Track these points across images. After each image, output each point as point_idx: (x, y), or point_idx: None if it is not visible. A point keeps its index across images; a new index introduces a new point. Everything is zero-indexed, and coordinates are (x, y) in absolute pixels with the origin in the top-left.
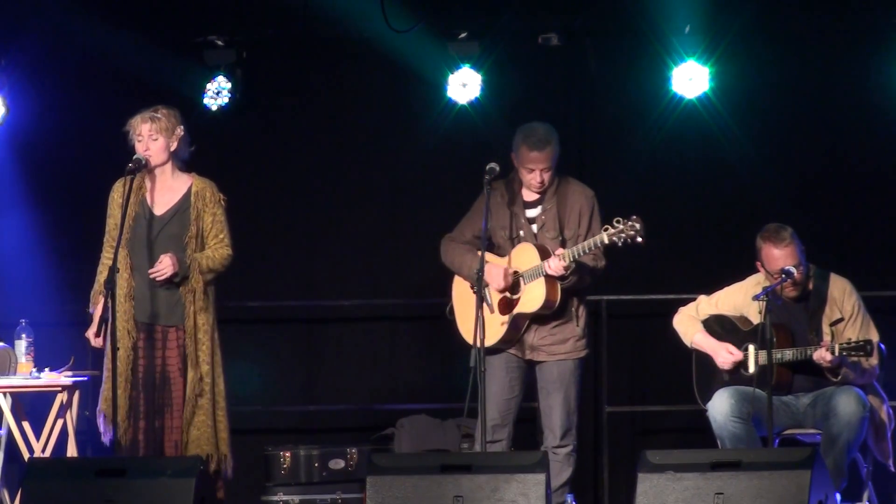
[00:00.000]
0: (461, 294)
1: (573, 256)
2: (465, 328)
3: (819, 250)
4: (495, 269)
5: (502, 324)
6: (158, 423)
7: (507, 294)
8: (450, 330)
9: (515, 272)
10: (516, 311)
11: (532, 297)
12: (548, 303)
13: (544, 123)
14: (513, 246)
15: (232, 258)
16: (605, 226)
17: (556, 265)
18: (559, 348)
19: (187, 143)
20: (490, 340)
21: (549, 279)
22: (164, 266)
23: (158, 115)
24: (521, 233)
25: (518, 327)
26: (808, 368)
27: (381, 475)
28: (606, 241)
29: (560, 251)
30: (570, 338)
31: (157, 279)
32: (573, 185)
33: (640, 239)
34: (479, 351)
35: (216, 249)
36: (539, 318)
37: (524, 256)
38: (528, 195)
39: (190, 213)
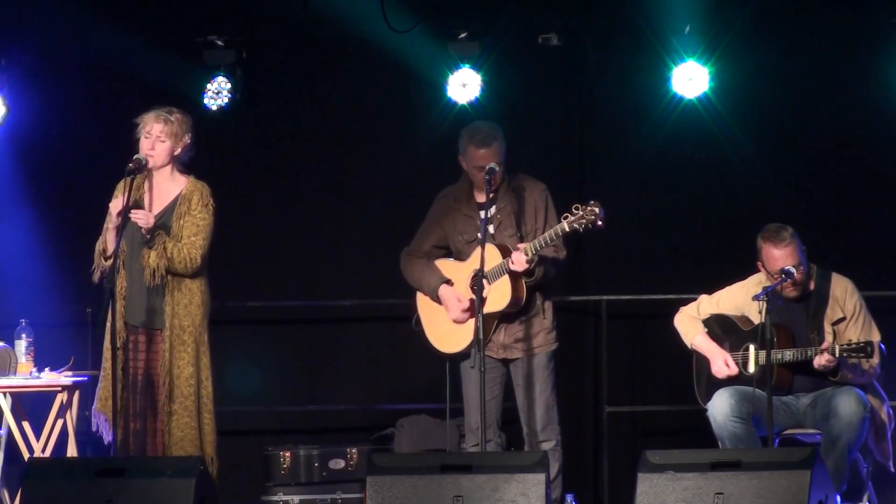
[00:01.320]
0: (426, 304)
1: (535, 249)
2: (435, 336)
3: (819, 250)
4: (451, 300)
5: (472, 326)
6: (141, 425)
7: (473, 296)
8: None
9: (477, 274)
10: (484, 311)
11: (498, 296)
12: (514, 300)
13: (488, 122)
14: (472, 249)
15: (197, 264)
16: (565, 213)
17: (518, 260)
18: (527, 343)
19: (191, 149)
20: (462, 344)
21: (514, 276)
22: (144, 213)
23: (172, 119)
24: (479, 234)
25: (487, 327)
26: (808, 368)
27: (381, 475)
28: (567, 229)
29: (521, 246)
30: (540, 331)
31: (137, 220)
32: (524, 180)
33: (600, 223)
34: (479, 350)
35: (185, 246)
36: (507, 316)
37: (487, 257)
38: (481, 196)
39: (173, 216)
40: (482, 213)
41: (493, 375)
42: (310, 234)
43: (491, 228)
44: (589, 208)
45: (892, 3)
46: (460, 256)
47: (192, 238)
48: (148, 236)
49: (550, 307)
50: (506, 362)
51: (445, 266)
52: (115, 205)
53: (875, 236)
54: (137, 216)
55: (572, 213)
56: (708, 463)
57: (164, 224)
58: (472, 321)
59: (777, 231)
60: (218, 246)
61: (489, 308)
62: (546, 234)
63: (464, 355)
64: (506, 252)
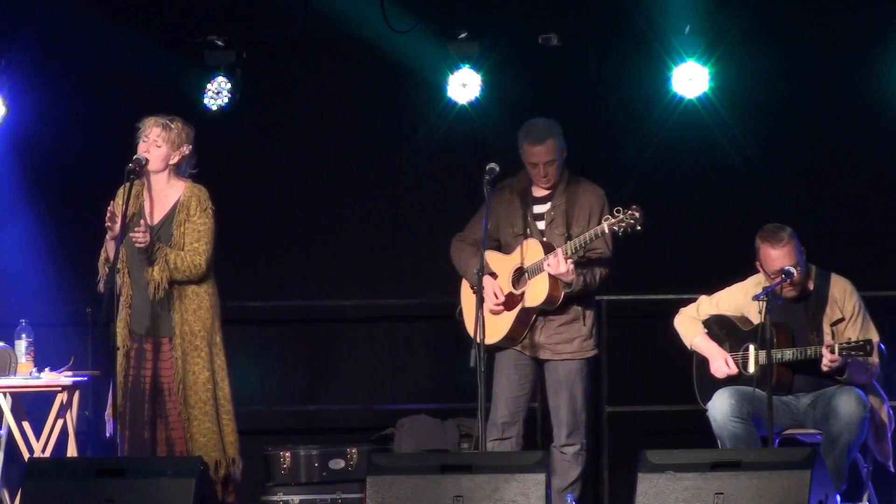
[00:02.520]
0: (467, 294)
1: (573, 249)
2: (471, 324)
3: (819, 250)
4: (488, 286)
5: (510, 319)
6: (150, 433)
7: (513, 290)
8: (450, 330)
9: (520, 268)
10: (521, 306)
11: (535, 292)
12: (550, 298)
13: (546, 119)
14: (519, 243)
15: (202, 270)
16: (606, 216)
17: (554, 262)
18: (565, 347)
19: (190, 163)
20: (496, 336)
21: (552, 275)
22: (144, 230)
23: (172, 126)
24: (529, 230)
25: (525, 323)
26: (808, 368)
27: (381, 475)
28: (607, 231)
29: (560, 248)
30: (577, 337)
31: (136, 241)
32: (584, 183)
33: (639, 227)
34: (479, 350)
35: (188, 254)
36: (545, 315)
37: (530, 253)
38: (538, 191)
39: (174, 224)
40: (535, 209)
41: (525, 373)
42: (310, 234)
43: (541, 225)
44: (630, 212)
45: (892, 3)
46: (507, 249)
47: (195, 244)
48: (146, 253)
49: (592, 315)
50: (539, 362)
51: (491, 258)
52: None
53: (875, 236)
54: (136, 237)
55: (613, 216)
56: (708, 463)
57: (165, 232)
58: (507, 315)
59: (774, 231)
60: (218, 246)
61: (526, 303)
62: (586, 234)
63: (497, 348)
64: (549, 249)
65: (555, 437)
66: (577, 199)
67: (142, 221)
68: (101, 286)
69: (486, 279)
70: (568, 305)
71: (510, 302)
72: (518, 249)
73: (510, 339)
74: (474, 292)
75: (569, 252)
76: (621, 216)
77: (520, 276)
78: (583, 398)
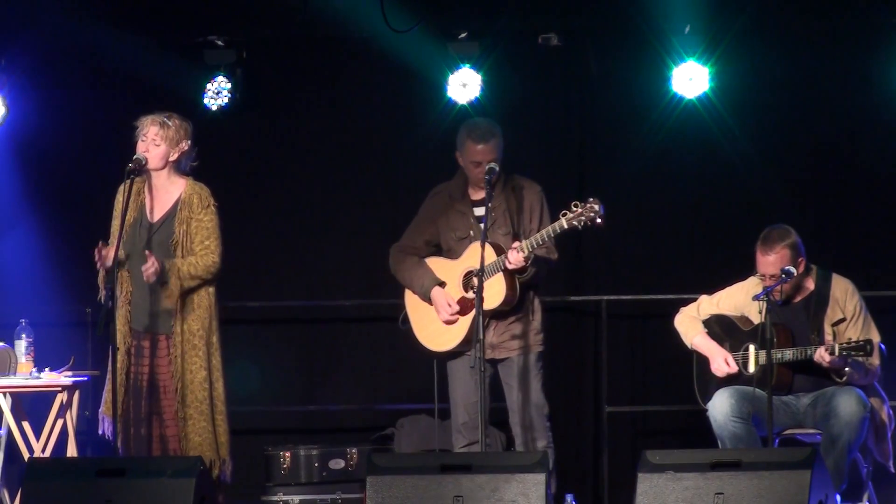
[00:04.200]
0: (414, 302)
1: (531, 247)
2: (423, 334)
3: (819, 250)
4: (442, 303)
5: (465, 323)
6: (146, 430)
7: (464, 294)
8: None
9: (470, 271)
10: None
11: (492, 294)
12: (508, 298)
13: (487, 119)
14: (464, 247)
15: (218, 266)
16: (563, 210)
17: (515, 258)
18: (517, 343)
19: (190, 157)
20: (453, 342)
21: (507, 274)
22: (150, 264)
23: (169, 123)
24: (472, 232)
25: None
26: (808, 368)
27: (381, 475)
28: (566, 226)
29: (517, 244)
30: (529, 332)
31: (148, 278)
32: (521, 180)
33: (599, 220)
34: (479, 350)
35: (201, 257)
36: (497, 315)
37: (477, 255)
38: (476, 193)
39: (175, 221)
40: (476, 211)
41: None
42: (310, 234)
43: (483, 227)
44: (588, 205)
45: (892, 3)
46: (451, 254)
47: (206, 242)
48: (159, 277)
49: (540, 308)
50: (493, 362)
51: (436, 264)
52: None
53: (875, 236)
54: (147, 274)
55: (571, 210)
56: (708, 463)
57: (166, 229)
58: (462, 320)
59: (768, 236)
60: None
61: (484, 306)
62: (543, 231)
63: (452, 354)
64: (500, 250)
65: (516, 436)
66: (517, 196)
67: (146, 253)
68: (101, 298)
69: (436, 290)
70: (520, 302)
71: (464, 307)
72: (465, 253)
73: (467, 342)
74: (469, 292)
75: (526, 251)
76: (580, 210)
77: (470, 279)
78: (542, 391)
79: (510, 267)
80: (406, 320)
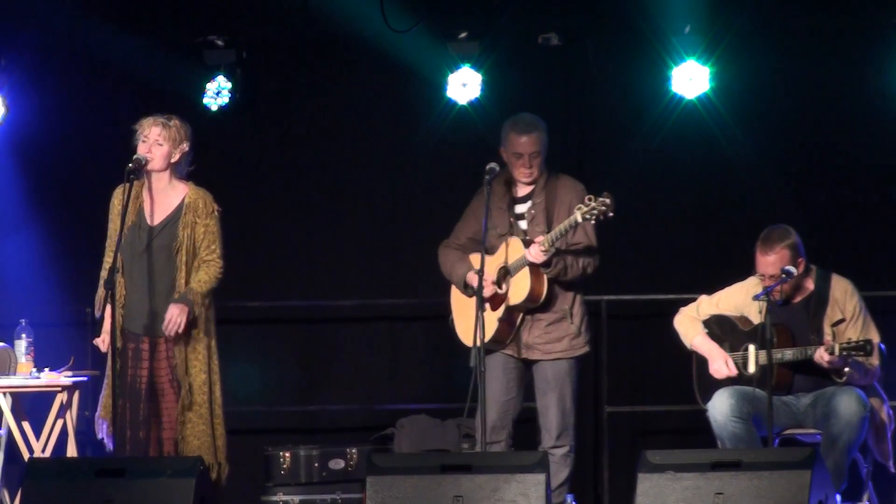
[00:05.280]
0: (457, 298)
1: (551, 241)
2: (461, 328)
3: (819, 250)
4: (475, 283)
5: (495, 320)
6: (145, 433)
7: (496, 290)
8: (449, 330)
9: (504, 267)
10: (504, 304)
11: (518, 289)
12: (533, 294)
13: (532, 114)
14: (502, 244)
15: (223, 269)
16: (578, 205)
17: (535, 251)
18: (554, 347)
19: (188, 160)
20: (485, 338)
21: (534, 270)
22: (173, 317)
23: (170, 124)
24: (512, 230)
25: (510, 323)
26: (808, 368)
27: (381, 475)
28: (580, 220)
29: (539, 238)
30: (565, 336)
31: (175, 332)
32: (563, 179)
33: (611, 214)
34: (479, 350)
35: (207, 268)
36: (533, 315)
37: (512, 251)
38: (518, 190)
39: (179, 225)
40: (516, 208)
41: (514, 375)
42: (310, 234)
43: (524, 224)
44: (601, 199)
45: (892, 3)
46: (491, 251)
47: (213, 246)
48: (191, 317)
49: (581, 312)
50: (528, 363)
51: (477, 261)
52: (98, 342)
53: (875, 236)
54: (173, 325)
55: (585, 205)
56: (708, 463)
57: (168, 232)
58: (491, 315)
59: (768, 236)
60: None
61: (509, 302)
62: (562, 225)
63: (486, 351)
64: (529, 245)
65: (543, 439)
66: (557, 195)
67: (168, 313)
68: (97, 313)
69: (471, 275)
70: (553, 304)
71: (495, 302)
72: (501, 249)
73: (496, 342)
74: (469, 296)
75: (546, 245)
76: (593, 204)
77: (504, 275)
78: (572, 399)
79: (531, 260)
80: (452, 320)
